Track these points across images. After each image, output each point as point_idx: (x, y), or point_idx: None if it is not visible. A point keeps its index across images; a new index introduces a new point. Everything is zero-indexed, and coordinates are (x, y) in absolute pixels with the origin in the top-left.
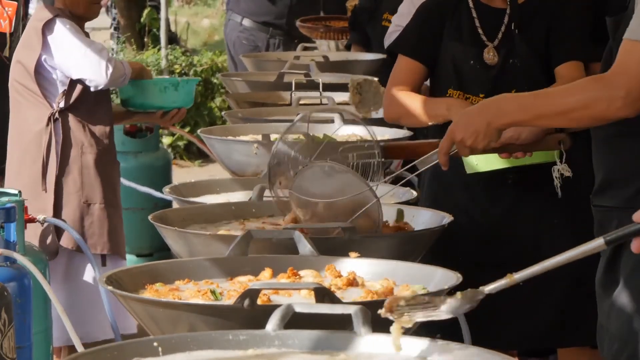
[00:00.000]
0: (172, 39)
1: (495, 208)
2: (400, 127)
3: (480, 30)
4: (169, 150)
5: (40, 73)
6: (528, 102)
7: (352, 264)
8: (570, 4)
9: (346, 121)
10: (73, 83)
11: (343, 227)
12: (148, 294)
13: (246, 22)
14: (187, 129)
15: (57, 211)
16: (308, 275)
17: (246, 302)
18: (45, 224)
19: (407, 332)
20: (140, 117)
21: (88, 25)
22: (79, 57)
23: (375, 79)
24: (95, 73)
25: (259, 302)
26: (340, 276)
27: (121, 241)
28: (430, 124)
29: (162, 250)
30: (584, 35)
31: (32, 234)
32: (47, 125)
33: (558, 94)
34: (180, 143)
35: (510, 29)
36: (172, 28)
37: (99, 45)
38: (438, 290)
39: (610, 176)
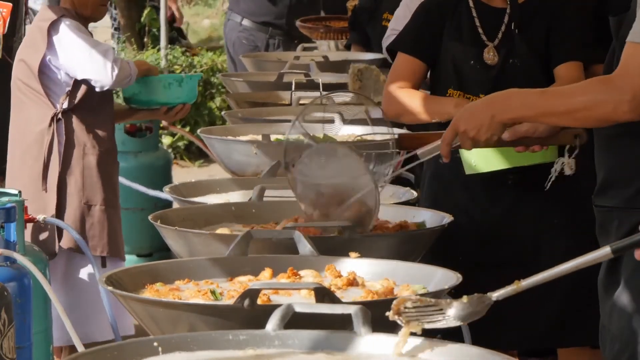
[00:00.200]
0: (174, 39)
1: (495, 208)
2: (400, 125)
3: (480, 30)
4: (169, 150)
5: (44, 73)
6: (535, 99)
7: (352, 264)
8: (570, 4)
9: (346, 121)
10: (77, 83)
11: (343, 227)
12: (148, 294)
13: (246, 22)
14: (187, 129)
15: (59, 212)
16: (308, 275)
17: (246, 302)
18: (47, 224)
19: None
20: (144, 114)
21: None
22: (85, 58)
23: (375, 67)
24: (100, 74)
25: (259, 302)
26: (340, 276)
27: (120, 243)
28: (433, 121)
29: (162, 250)
30: (583, 36)
31: (34, 234)
32: (50, 125)
33: (565, 93)
34: (181, 143)
35: (510, 28)
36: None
37: (104, 46)
38: (438, 290)
39: (611, 176)
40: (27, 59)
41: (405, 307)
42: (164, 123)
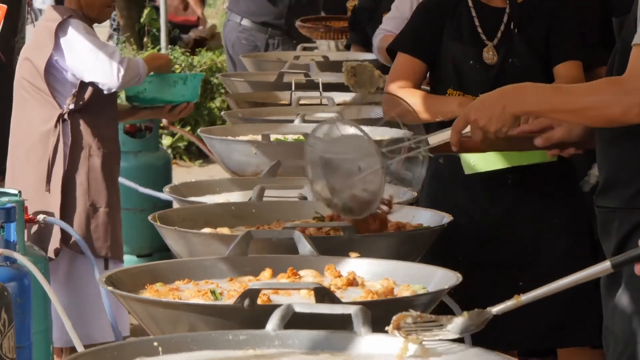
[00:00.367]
0: (176, 38)
1: (495, 208)
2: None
3: (479, 30)
4: (169, 150)
5: (50, 73)
6: (548, 95)
7: (352, 264)
8: (570, 3)
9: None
10: (84, 84)
11: (343, 227)
12: (148, 294)
13: (245, 22)
14: (187, 129)
15: (64, 213)
16: (308, 275)
17: (246, 302)
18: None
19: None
20: (147, 112)
21: None
22: (91, 61)
23: (368, 63)
24: (107, 77)
25: (259, 302)
26: (340, 276)
27: (121, 245)
28: (437, 120)
29: (162, 250)
30: (583, 36)
31: (37, 235)
32: (56, 126)
33: (577, 92)
34: (181, 143)
35: (510, 28)
36: None
37: (111, 48)
38: (438, 290)
39: (612, 177)
40: (33, 58)
41: (405, 323)
42: (164, 123)
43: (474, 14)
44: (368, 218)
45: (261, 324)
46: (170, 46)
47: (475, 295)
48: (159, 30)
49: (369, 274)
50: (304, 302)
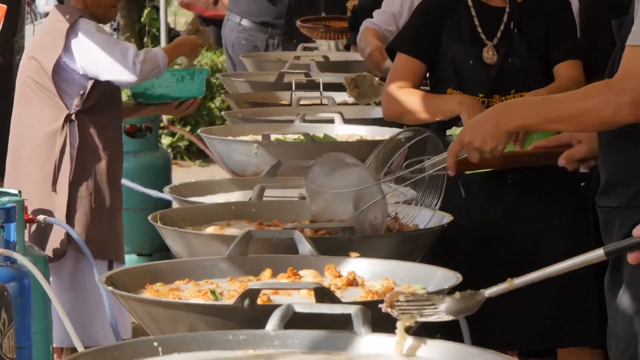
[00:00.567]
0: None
1: (495, 208)
2: (400, 125)
3: (479, 30)
4: (169, 150)
5: (58, 73)
6: (536, 106)
7: (352, 264)
8: (570, 3)
9: (346, 121)
10: (94, 85)
11: (343, 227)
12: (148, 294)
13: (245, 23)
14: (187, 129)
15: (70, 214)
16: (308, 275)
17: (246, 302)
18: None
19: (407, 331)
20: (154, 109)
21: None
22: (106, 59)
23: (366, 72)
24: (123, 73)
25: (259, 302)
26: (340, 276)
27: (122, 246)
28: (436, 120)
29: (162, 250)
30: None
31: (40, 235)
32: (63, 127)
33: (567, 98)
34: (181, 143)
35: (510, 28)
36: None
37: (124, 45)
38: (438, 290)
39: (614, 176)
40: (41, 58)
41: (398, 301)
42: (164, 122)
43: (473, 13)
44: None
45: (261, 324)
46: None
47: None
48: (159, 30)
49: (369, 274)
50: (304, 302)
